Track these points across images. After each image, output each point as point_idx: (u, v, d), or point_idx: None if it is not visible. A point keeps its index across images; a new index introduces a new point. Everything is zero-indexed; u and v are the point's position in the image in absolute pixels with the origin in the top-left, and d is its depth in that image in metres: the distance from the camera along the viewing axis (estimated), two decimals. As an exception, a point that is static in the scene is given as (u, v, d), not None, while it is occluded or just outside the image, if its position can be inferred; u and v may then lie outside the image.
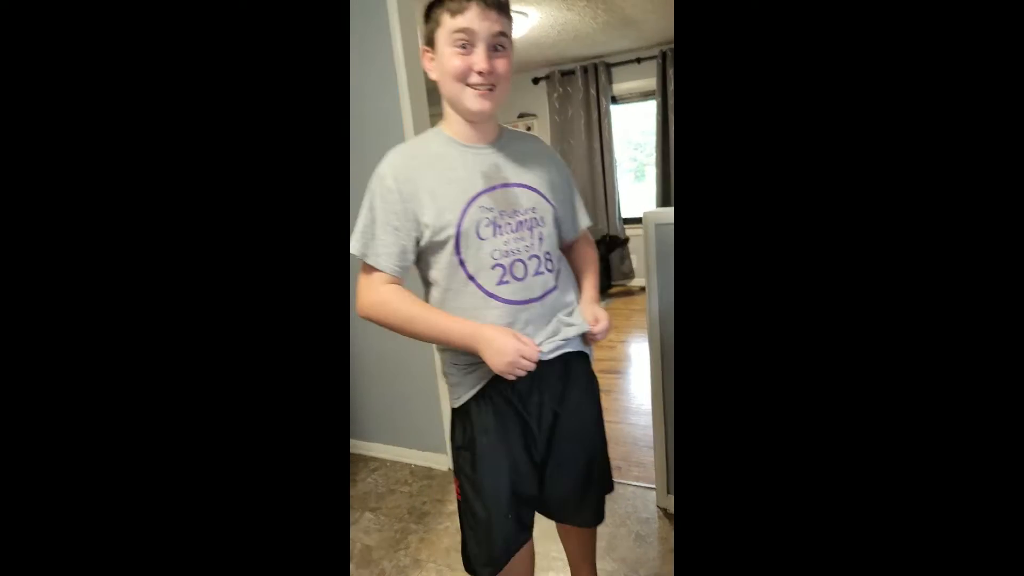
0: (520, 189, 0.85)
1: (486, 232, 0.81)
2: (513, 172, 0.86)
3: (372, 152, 1.77)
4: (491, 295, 0.82)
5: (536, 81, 4.37)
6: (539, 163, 0.90)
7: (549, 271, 0.86)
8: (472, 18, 0.77)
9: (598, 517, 0.99)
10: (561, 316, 0.88)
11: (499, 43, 0.79)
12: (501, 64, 0.80)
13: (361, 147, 1.81)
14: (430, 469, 1.95)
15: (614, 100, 4.29)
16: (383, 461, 2.03)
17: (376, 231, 0.81)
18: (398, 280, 0.83)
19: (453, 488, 1.79)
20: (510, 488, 0.88)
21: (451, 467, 1.91)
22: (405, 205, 0.80)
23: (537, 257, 0.84)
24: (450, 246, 0.81)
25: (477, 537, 0.90)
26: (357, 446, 2.12)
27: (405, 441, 2.01)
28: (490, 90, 0.80)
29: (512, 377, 0.80)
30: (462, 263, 0.81)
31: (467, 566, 0.93)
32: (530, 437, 0.89)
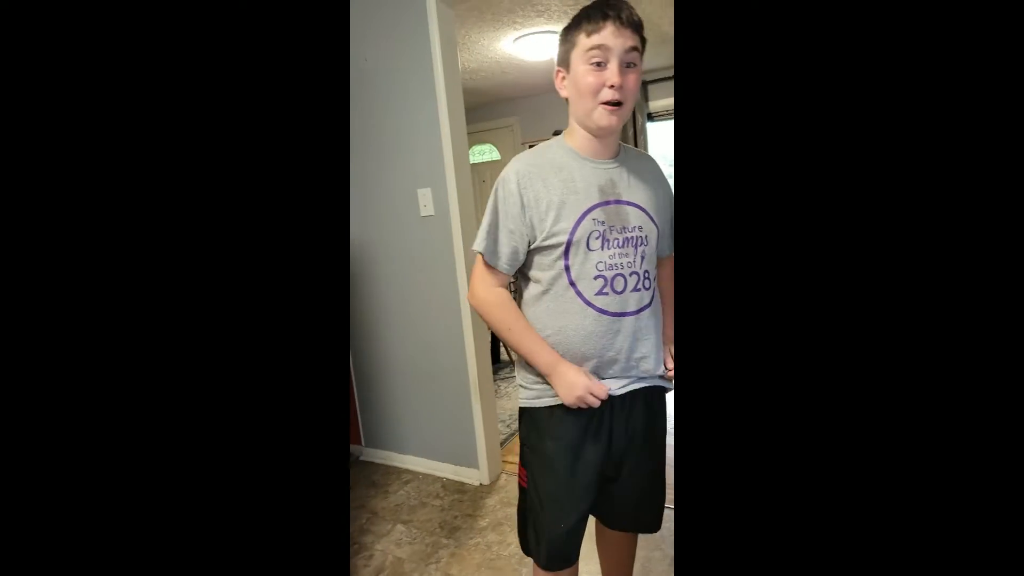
0: (631, 207, 0.88)
1: (595, 244, 0.85)
2: (626, 190, 0.89)
3: (409, 163, 1.83)
4: (588, 303, 0.86)
5: (572, 99, 4.41)
6: (649, 183, 0.93)
7: (646, 289, 0.90)
8: (607, 35, 0.81)
9: (658, 524, 1.03)
10: (639, 360, 0.91)
11: (631, 59, 0.83)
12: (631, 79, 0.84)
13: (400, 158, 1.86)
14: (462, 484, 1.95)
15: (650, 117, 4.27)
16: (416, 474, 2.05)
17: (498, 233, 0.88)
18: (509, 278, 0.91)
19: (484, 504, 1.79)
20: (571, 494, 0.92)
21: (483, 483, 1.91)
22: (524, 210, 0.86)
23: (637, 274, 0.88)
24: (559, 251, 0.85)
25: (536, 526, 0.95)
26: (390, 457, 2.14)
27: (438, 455, 2.02)
28: (618, 105, 0.84)
29: (578, 407, 0.87)
30: (567, 269, 0.86)
31: (524, 548, 1.00)
32: (603, 454, 0.92)
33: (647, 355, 0.91)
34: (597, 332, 0.86)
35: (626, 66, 0.83)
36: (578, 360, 0.88)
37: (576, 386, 0.86)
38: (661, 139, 4.58)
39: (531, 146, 4.70)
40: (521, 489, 0.98)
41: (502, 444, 2.18)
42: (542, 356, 0.88)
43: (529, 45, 3.00)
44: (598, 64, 0.82)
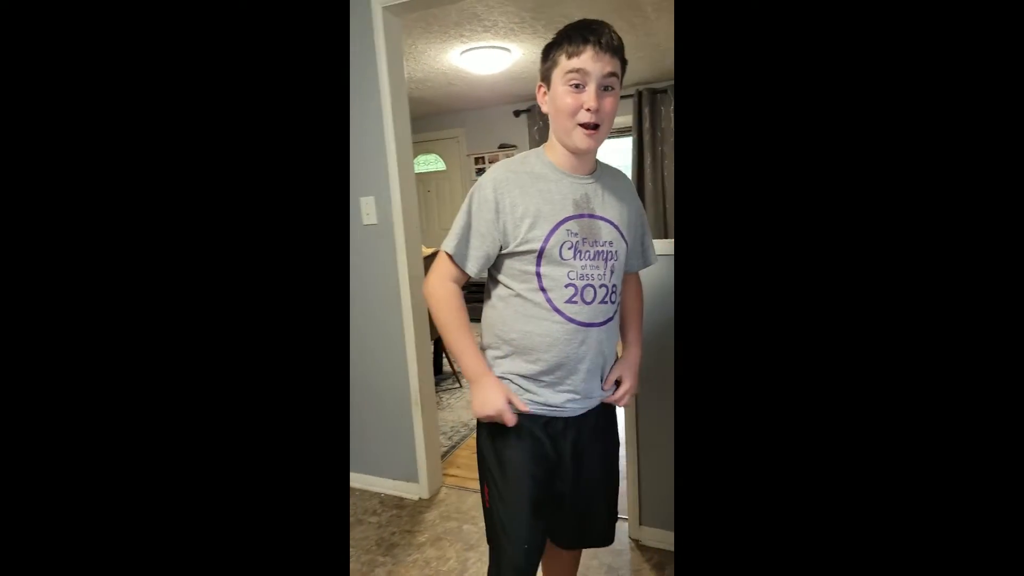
0: (603, 222, 0.91)
1: (567, 254, 0.87)
2: (600, 205, 0.92)
3: (352, 170, 1.79)
4: (557, 309, 0.88)
5: (517, 114, 4.48)
6: (622, 200, 0.96)
7: (612, 303, 0.93)
8: (586, 60, 0.84)
9: (611, 536, 1.05)
10: (599, 369, 0.93)
11: (609, 83, 0.86)
12: (608, 103, 0.87)
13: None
14: (401, 499, 1.90)
15: (593, 135, 4.41)
16: (353, 490, 1.98)
17: (470, 236, 0.89)
18: (468, 279, 0.92)
19: (424, 519, 1.75)
20: (530, 511, 0.92)
21: (422, 497, 1.87)
22: (498, 216, 0.88)
23: (606, 287, 0.91)
24: (532, 257, 0.88)
25: (499, 545, 0.94)
26: (326, 474, 2.06)
27: (376, 469, 1.97)
28: (595, 128, 0.87)
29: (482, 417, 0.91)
30: (539, 275, 0.88)
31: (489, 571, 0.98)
32: (558, 470, 0.94)
33: (605, 367, 0.94)
34: (563, 339, 0.88)
35: (604, 89, 0.86)
36: (539, 365, 0.90)
37: (490, 404, 0.88)
38: (603, 156, 4.72)
39: (477, 158, 4.74)
40: (485, 510, 0.98)
41: (443, 457, 2.15)
42: (472, 361, 0.91)
43: (476, 58, 3.03)
44: (576, 86, 0.85)
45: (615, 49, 0.86)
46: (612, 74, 0.85)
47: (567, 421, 0.93)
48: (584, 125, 0.86)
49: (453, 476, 2.02)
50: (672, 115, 3.83)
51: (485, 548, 1.58)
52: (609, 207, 0.93)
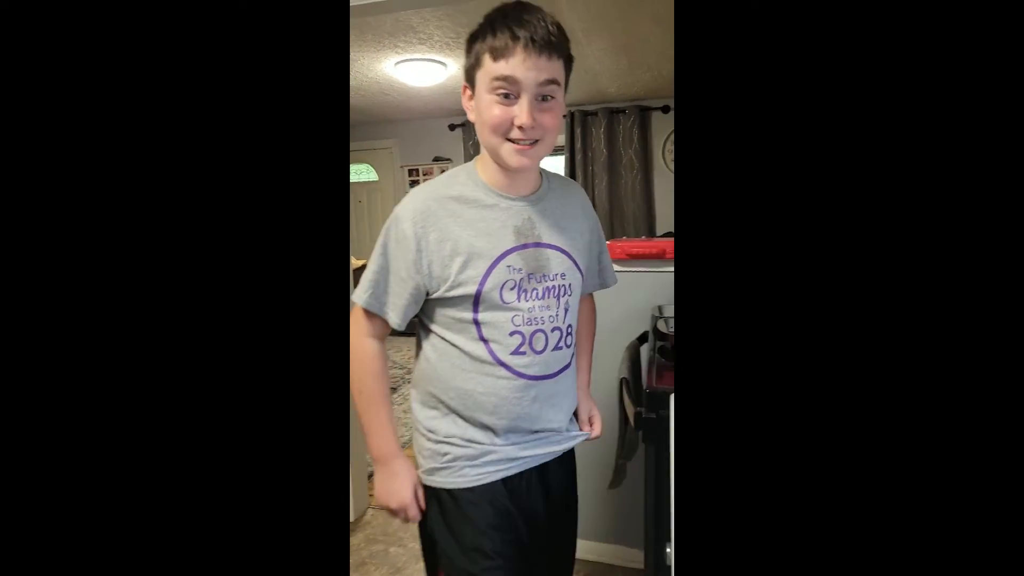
0: (552, 251, 0.75)
1: (510, 296, 0.71)
2: (548, 231, 0.76)
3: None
4: (502, 363, 0.72)
5: (452, 128, 4.48)
6: (575, 220, 0.80)
7: (567, 346, 0.77)
8: (516, 65, 0.65)
9: None
10: (548, 424, 0.78)
11: (547, 92, 0.68)
12: (548, 119, 0.68)
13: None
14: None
15: (526, 152, 4.49)
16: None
17: (388, 281, 0.73)
18: (390, 330, 0.76)
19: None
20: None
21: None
22: (420, 255, 0.71)
23: (560, 330, 0.75)
24: (467, 303, 0.71)
25: None
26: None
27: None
28: (532, 144, 0.69)
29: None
30: (477, 324, 0.72)
31: None
32: (519, 531, 0.78)
33: (560, 420, 0.79)
34: (512, 397, 0.73)
35: (541, 100, 0.68)
36: (482, 428, 0.75)
37: (394, 495, 0.75)
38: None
39: (411, 170, 4.67)
40: None
41: (370, 476, 2.07)
42: (381, 440, 0.76)
43: (411, 70, 3.00)
44: (506, 96, 0.67)
45: (554, 46, 0.66)
46: (551, 81, 0.67)
47: (530, 473, 0.78)
48: (516, 141, 0.69)
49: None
50: (603, 136, 3.98)
51: (412, 571, 1.52)
52: (559, 232, 0.77)
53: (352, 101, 3.81)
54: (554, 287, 0.75)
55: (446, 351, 0.75)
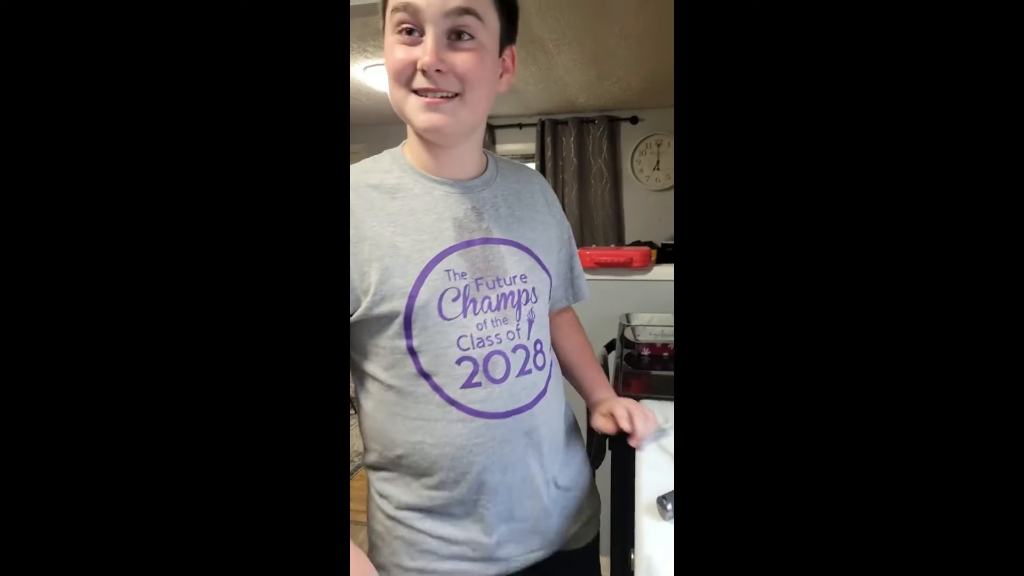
0: (508, 248, 0.59)
1: (452, 309, 0.55)
2: (499, 222, 0.60)
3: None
4: (452, 401, 0.55)
5: (422, 133, 4.45)
6: (535, 211, 0.64)
7: (539, 368, 0.60)
8: None
9: None
10: (546, 484, 0.59)
11: (461, 26, 0.51)
12: (464, 60, 0.52)
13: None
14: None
15: (497, 159, 4.50)
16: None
17: None
18: None
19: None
20: None
21: None
22: None
23: (524, 348, 0.58)
24: (396, 325, 0.55)
25: None
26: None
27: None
28: (445, 98, 0.52)
29: None
30: (412, 352, 0.55)
31: None
32: None
33: (550, 466, 0.61)
34: (470, 446, 0.56)
35: (456, 37, 0.52)
36: (443, 490, 0.57)
37: None
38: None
39: (379, 175, 4.60)
40: None
41: (334, 489, 2.01)
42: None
43: (379, 75, 2.98)
44: (408, 32, 0.52)
45: None
46: (464, 10, 0.51)
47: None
48: (420, 92, 0.52)
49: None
50: (572, 145, 4.03)
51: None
52: (515, 222, 0.61)
53: (320, 105, 3.75)
54: (512, 293, 0.58)
55: (383, 397, 0.58)
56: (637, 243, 2.76)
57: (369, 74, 3.00)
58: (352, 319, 0.56)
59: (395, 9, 0.52)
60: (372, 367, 0.59)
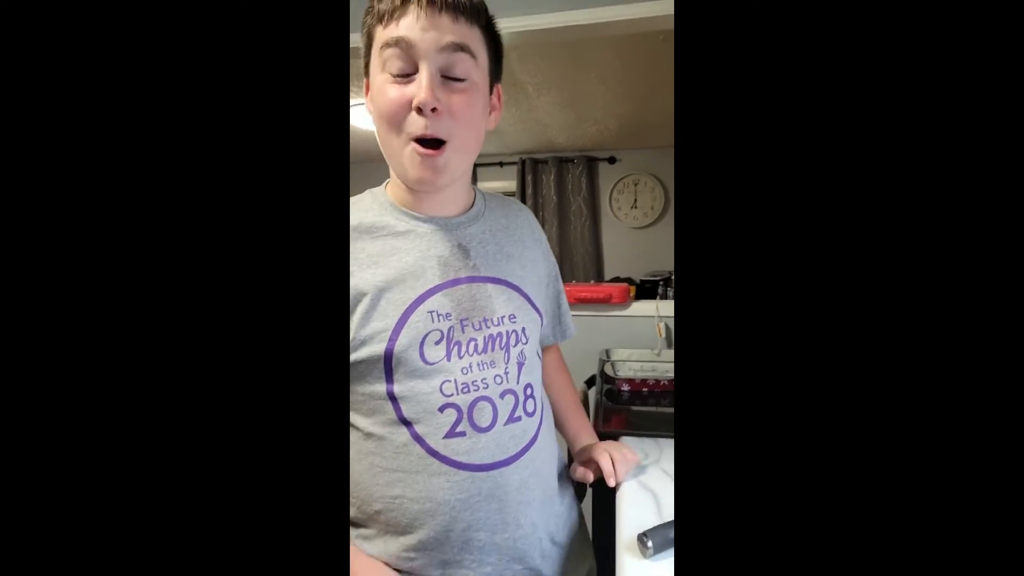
0: (496, 287, 0.57)
1: (435, 353, 0.52)
2: (487, 260, 0.57)
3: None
4: (433, 452, 0.52)
5: (405, 170, 4.50)
6: (524, 246, 0.63)
7: (529, 414, 0.57)
8: (410, 24, 0.49)
9: None
10: (521, 538, 0.55)
11: (456, 64, 0.50)
12: (459, 101, 0.50)
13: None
14: None
15: (478, 196, 4.56)
16: None
17: None
18: None
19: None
20: None
21: None
22: None
23: (513, 393, 0.55)
24: (376, 371, 0.52)
25: None
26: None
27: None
28: (438, 150, 0.51)
29: None
30: (393, 398, 0.52)
31: None
32: None
33: (542, 524, 0.58)
34: (454, 501, 0.52)
35: (449, 77, 0.50)
36: (426, 551, 0.53)
37: None
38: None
39: (361, 210, 4.61)
40: None
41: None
42: None
43: (363, 113, 3.03)
44: (403, 76, 0.50)
45: (461, 7, 0.50)
46: (459, 47, 0.50)
47: None
48: (420, 140, 0.51)
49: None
50: (552, 183, 4.12)
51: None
52: (504, 260, 0.59)
53: (303, 141, 3.79)
54: (500, 335, 0.55)
55: (360, 446, 0.55)
56: (616, 279, 2.81)
57: (355, 113, 3.05)
58: None
59: (386, 45, 0.50)
60: (353, 417, 0.55)
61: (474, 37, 0.52)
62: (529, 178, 4.23)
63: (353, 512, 0.58)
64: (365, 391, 0.53)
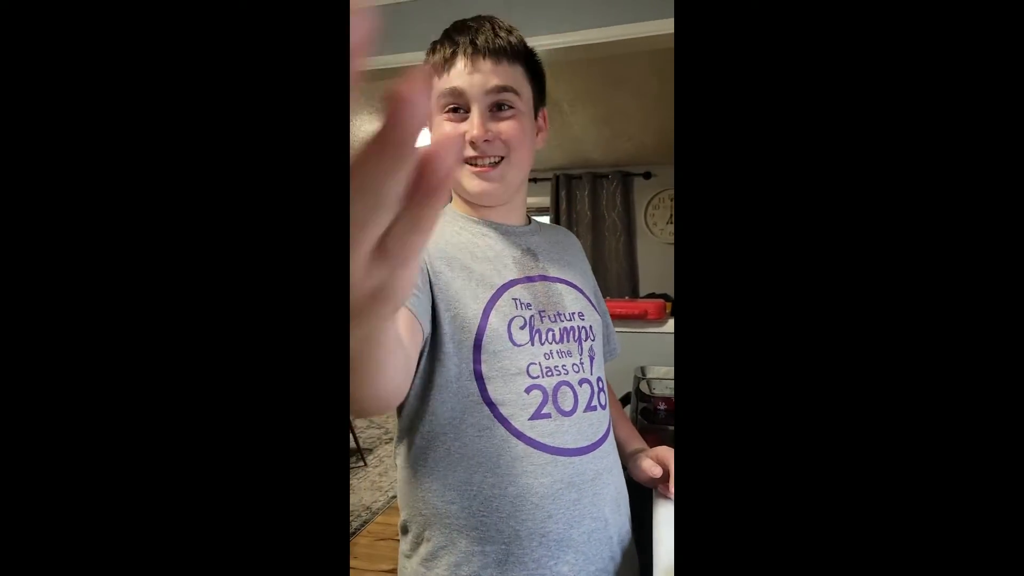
0: (564, 286, 0.61)
1: (521, 336, 0.54)
2: (552, 264, 0.62)
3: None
4: (519, 434, 0.51)
5: (440, 187, 4.59)
6: (579, 259, 0.69)
7: (602, 406, 0.59)
8: (459, 74, 0.56)
9: None
10: (592, 532, 0.54)
11: (502, 101, 0.57)
12: (507, 128, 0.57)
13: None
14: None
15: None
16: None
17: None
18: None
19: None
20: None
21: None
22: (431, 279, 0.54)
23: (589, 383, 0.57)
24: (466, 349, 0.53)
25: None
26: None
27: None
28: (492, 166, 0.57)
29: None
30: (480, 378, 0.52)
31: None
32: None
33: (614, 519, 0.57)
34: (536, 485, 0.51)
35: (496, 109, 0.57)
36: (500, 545, 0.51)
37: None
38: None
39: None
40: None
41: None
42: None
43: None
44: (455, 110, 0.58)
45: (502, 51, 0.57)
46: (503, 88, 0.57)
47: None
48: (472, 162, 0.57)
49: (351, 569, 1.83)
50: (587, 199, 4.11)
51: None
52: (566, 266, 0.64)
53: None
54: (573, 328, 0.58)
55: (434, 436, 0.54)
56: (652, 295, 2.76)
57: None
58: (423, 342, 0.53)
59: (442, 95, 0.58)
60: (430, 399, 0.54)
61: (516, 75, 0.59)
62: (563, 193, 4.23)
63: (410, 513, 0.57)
64: (450, 371, 0.53)
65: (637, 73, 2.24)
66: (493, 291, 0.56)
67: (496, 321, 0.54)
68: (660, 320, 1.61)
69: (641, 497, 0.78)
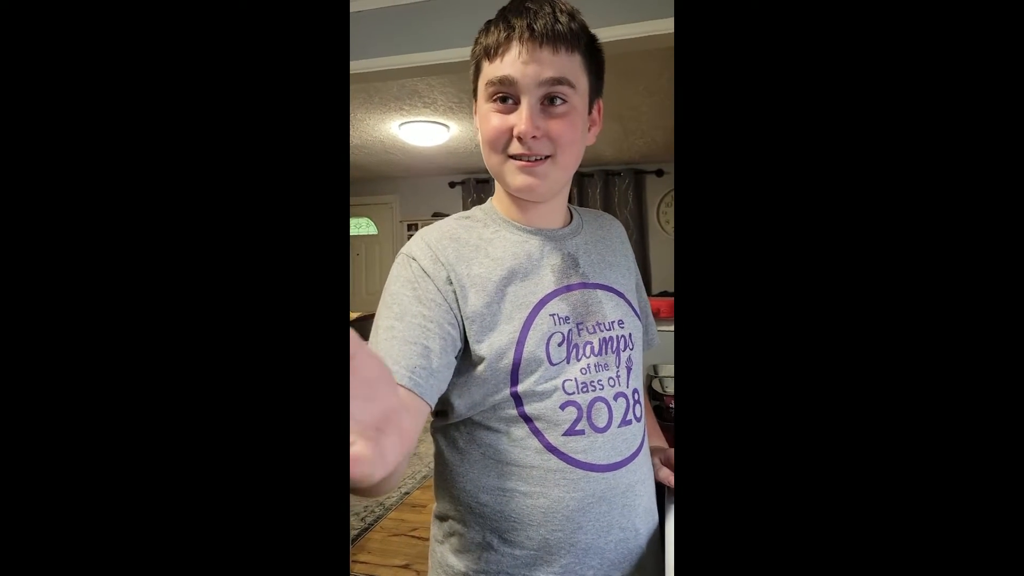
0: (604, 293, 0.59)
1: (558, 353, 0.53)
2: (594, 267, 0.60)
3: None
4: (553, 449, 0.52)
5: (453, 185, 4.60)
6: (621, 255, 0.65)
7: (637, 419, 0.58)
8: (511, 62, 0.52)
9: None
10: (621, 541, 0.55)
11: (556, 93, 0.53)
12: (559, 126, 0.53)
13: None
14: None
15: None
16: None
17: (404, 330, 0.50)
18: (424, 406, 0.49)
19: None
20: None
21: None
22: (443, 295, 0.52)
23: (625, 396, 0.56)
24: (502, 375, 0.52)
25: None
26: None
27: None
28: (539, 160, 0.54)
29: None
30: (517, 397, 0.53)
31: None
32: None
33: (642, 529, 0.57)
34: (567, 499, 0.52)
35: (548, 103, 0.53)
36: (528, 550, 0.53)
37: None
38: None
39: (410, 224, 4.76)
40: None
41: (353, 541, 1.97)
42: None
43: (414, 131, 3.13)
44: (503, 100, 0.53)
45: (561, 37, 0.52)
46: (558, 80, 0.52)
47: None
48: (517, 157, 0.54)
49: (363, 563, 1.85)
50: (599, 196, 4.09)
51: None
52: (608, 268, 0.61)
53: (356, 159, 3.94)
54: (612, 339, 0.57)
55: (470, 443, 0.55)
56: (664, 293, 2.75)
57: (404, 130, 3.15)
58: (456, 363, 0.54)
59: (490, 82, 0.54)
60: (462, 402, 0.54)
61: (574, 65, 0.54)
62: (575, 191, 4.23)
63: (445, 507, 0.59)
64: (486, 386, 0.53)
65: (649, 71, 2.23)
66: (529, 310, 0.54)
67: (533, 343, 0.53)
68: (672, 318, 1.60)
69: (657, 492, 0.78)
